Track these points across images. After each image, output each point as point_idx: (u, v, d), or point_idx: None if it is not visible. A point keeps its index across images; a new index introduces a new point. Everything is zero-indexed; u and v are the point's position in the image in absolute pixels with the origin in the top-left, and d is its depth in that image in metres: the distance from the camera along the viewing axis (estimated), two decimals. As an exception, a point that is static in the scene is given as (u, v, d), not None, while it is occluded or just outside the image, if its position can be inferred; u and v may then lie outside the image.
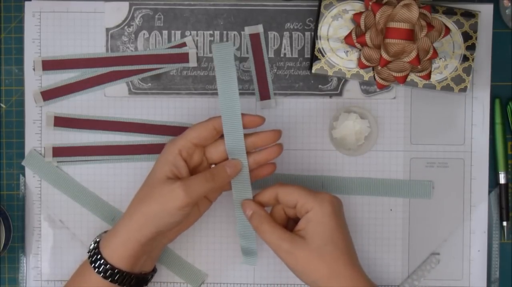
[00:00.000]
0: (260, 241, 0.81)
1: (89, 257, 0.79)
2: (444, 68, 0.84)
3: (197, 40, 0.88)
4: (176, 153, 0.78)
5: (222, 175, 0.78)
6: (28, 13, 0.87)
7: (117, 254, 0.77)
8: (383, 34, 0.81)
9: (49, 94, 0.87)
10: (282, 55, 0.87)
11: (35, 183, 0.88)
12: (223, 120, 0.78)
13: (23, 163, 0.88)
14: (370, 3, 0.81)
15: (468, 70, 0.84)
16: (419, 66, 0.81)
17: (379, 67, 0.81)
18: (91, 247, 0.80)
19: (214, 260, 0.88)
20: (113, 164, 0.88)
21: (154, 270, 0.84)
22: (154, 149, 0.87)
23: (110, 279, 0.77)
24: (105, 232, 0.83)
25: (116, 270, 0.77)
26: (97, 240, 0.80)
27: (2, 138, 0.88)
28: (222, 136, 0.79)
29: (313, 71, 0.85)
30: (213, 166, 0.80)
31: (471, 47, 0.84)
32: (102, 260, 0.77)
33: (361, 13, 0.81)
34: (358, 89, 0.87)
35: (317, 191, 0.78)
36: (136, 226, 0.77)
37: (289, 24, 0.87)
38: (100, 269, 0.77)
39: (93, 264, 0.78)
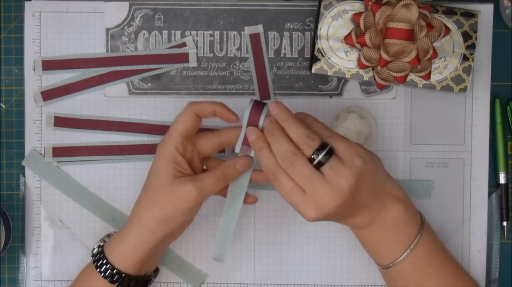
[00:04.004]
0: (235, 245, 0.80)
1: (93, 262, 0.79)
2: (444, 68, 0.84)
3: (197, 40, 0.88)
4: (173, 150, 0.77)
5: (233, 172, 0.78)
6: (28, 13, 0.87)
7: (126, 259, 0.77)
8: (382, 34, 0.81)
9: (49, 94, 0.87)
10: (282, 55, 0.87)
11: (35, 183, 0.88)
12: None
13: (23, 163, 0.88)
14: (370, 3, 0.81)
15: (468, 70, 0.84)
16: (418, 66, 0.81)
17: (379, 67, 0.81)
18: (95, 251, 0.80)
19: (214, 260, 0.88)
20: (113, 164, 0.88)
21: (157, 270, 0.84)
22: (154, 149, 0.87)
23: (116, 284, 0.77)
24: (108, 235, 0.83)
25: (123, 275, 0.77)
26: (101, 244, 0.80)
27: (2, 138, 0.88)
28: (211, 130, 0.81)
29: (313, 71, 0.85)
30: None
31: (471, 47, 0.84)
32: (108, 265, 0.77)
33: (360, 13, 0.81)
34: (358, 89, 0.87)
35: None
36: (149, 231, 0.77)
37: (289, 24, 0.87)
38: (107, 274, 0.77)
39: (99, 269, 0.78)
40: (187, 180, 0.76)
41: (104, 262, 0.78)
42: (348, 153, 0.74)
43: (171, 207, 0.76)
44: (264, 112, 0.77)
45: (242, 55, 0.87)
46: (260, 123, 0.77)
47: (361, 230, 0.78)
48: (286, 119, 0.75)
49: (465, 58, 0.84)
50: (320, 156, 0.73)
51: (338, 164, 0.73)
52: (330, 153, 0.74)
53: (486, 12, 0.86)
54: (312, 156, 0.73)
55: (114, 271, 0.77)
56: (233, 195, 0.80)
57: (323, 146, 0.74)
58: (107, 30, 0.87)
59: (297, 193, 0.74)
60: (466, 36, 0.84)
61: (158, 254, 0.81)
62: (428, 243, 0.78)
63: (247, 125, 0.77)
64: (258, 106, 0.77)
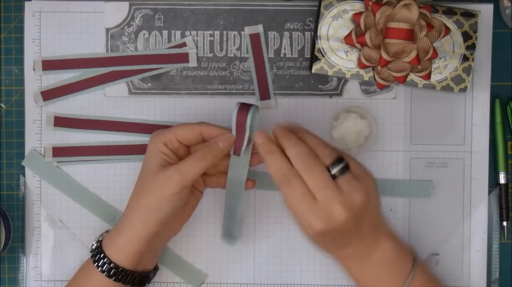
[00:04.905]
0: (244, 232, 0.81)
1: (92, 257, 0.79)
2: (444, 68, 0.84)
3: (197, 40, 0.88)
4: (162, 143, 0.78)
5: (215, 151, 0.77)
6: (28, 13, 0.87)
7: (122, 253, 0.77)
8: (383, 34, 0.81)
9: (49, 94, 0.87)
10: (282, 55, 0.88)
11: (35, 183, 0.88)
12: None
13: (23, 163, 0.88)
14: (370, 3, 0.81)
15: (468, 70, 0.84)
16: (419, 66, 0.81)
17: (379, 67, 0.81)
18: (94, 246, 0.80)
19: (214, 260, 0.88)
20: (113, 164, 0.88)
21: (156, 268, 0.84)
22: (154, 149, 0.87)
23: (114, 278, 0.78)
24: (107, 231, 0.83)
25: (120, 269, 0.77)
26: (100, 239, 0.80)
27: (2, 138, 0.88)
28: None
29: (313, 71, 0.85)
30: None
31: (471, 47, 0.84)
32: (106, 259, 0.78)
33: (361, 13, 0.81)
34: (358, 89, 0.87)
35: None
36: (139, 222, 0.77)
37: (289, 24, 0.87)
38: (104, 268, 0.78)
39: (96, 263, 0.78)
40: (170, 166, 0.77)
41: (101, 256, 0.78)
42: (362, 172, 0.74)
43: (155, 194, 0.76)
44: (250, 112, 0.77)
45: (242, 55, 0.87)
46: (248, 123, 0.77)
47: (351, 262, 0.77)
48: (300, 130, 0.76)
49: (465, 58, 0.84)
50: (338, 169, 0.72)
51: (354, 180, 0.72)
52: (346, 168, 0.73)
53: (486, 12, 0.86)
54: (328, 167, 0.72)
55: (111, 265, 0.77)
56: (233, 183, 0.80)
57: (339, 160, 0.73)
58: (107, 30, 0.87)
59: (308, 201, 0.72)
60: (466, 36, 0.84)
61: (154, 250, 0.81)
62: (421, 279, 0.77)
63: (236, 125, 0.78)
64: (244, 107, 0.78)
